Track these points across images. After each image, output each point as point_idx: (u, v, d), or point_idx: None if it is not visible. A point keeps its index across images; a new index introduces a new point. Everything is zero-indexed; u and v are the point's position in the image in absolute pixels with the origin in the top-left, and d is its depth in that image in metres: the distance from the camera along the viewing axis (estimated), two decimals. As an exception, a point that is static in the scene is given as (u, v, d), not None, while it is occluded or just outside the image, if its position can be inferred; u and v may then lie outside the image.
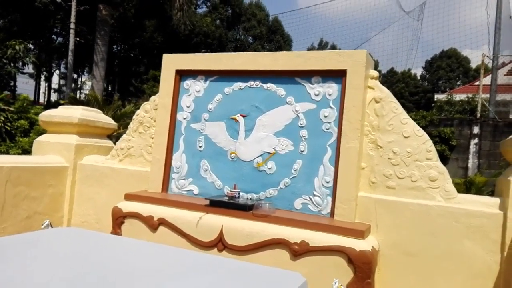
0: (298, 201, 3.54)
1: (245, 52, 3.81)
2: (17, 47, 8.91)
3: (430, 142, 3.34)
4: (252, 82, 3.79)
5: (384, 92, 3.46)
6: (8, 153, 7.07)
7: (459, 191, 3.29)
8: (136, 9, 25.47)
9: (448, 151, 12.51)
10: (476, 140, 12.28)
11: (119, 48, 32.32)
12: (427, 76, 52.89)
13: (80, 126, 4.57)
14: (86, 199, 4.50)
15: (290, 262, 3.14)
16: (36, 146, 4.66)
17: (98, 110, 5.02)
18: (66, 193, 4.47)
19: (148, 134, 4.29)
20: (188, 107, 4.05)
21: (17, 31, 26.69)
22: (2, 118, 7.45)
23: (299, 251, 3.13)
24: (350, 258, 2.98)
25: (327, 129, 3.47)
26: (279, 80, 3.69)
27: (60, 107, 4.87)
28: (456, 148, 12.57)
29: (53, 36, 30.32)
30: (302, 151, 3.55)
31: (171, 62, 4.10)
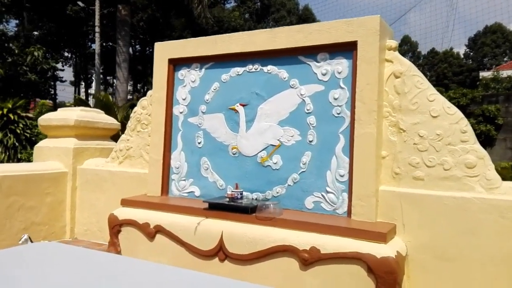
0: (309, 199, 3.04)
1: (240, 32, 3.34)
2: (35, 53, 8.93)
3: (465, 121, 2.74)
4: (250, 66, 3.32)
5: (405, 65, 2.88)
6: (29, 160, 7.00)
7: (507, 177, 2.66)
8: (163, 10, 25.53)
9: (494, 131, 11.32)
10: (526, 117, 11.07)
11: (151, 49, 32.69)
12: (471, 54, 49.94)
13: (78, 128, 4.28)
14: (88, 206, 4.21)
15: (299, 273, 2.66)
16: (36, 152, 4.43)
17: (99, 110, 4.73)
18: (67, 201, 4.21)
19: (147, 132, 3.93)
20: (184, 99, 3.63)
21: (53, 40, 27.60)
22: (21, 125, 7.42)
23: (309, 259, 2.63)
24: (370, 267, 2.45)
25: (339, 114, 2.94)
26: (280, 61, 3.19)
27: (59, 109, 4.62)
28: (503, 127, 11.34)
29: (88, 42, 31.13)
30: (310, 141, 3.04)
31: (163, 51, 3.70)
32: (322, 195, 2.99)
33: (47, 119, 4.38)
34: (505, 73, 22.68)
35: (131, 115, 4.10)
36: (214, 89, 3.48)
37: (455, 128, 2.72)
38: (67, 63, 34.88)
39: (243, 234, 2.88)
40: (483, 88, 18.79)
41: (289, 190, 3.11)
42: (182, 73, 3.65)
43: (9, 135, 7.43)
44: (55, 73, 33.29)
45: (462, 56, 49.30)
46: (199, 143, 3.54)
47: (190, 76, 3.61)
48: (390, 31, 3.06)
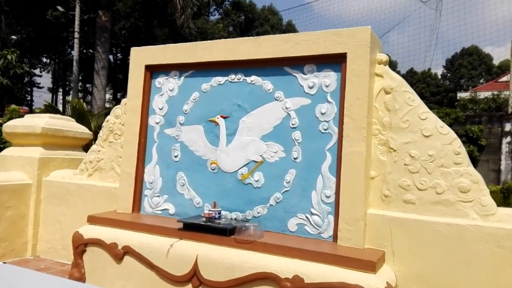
0: (292, 221, 2.82)
1: (223, 40, 3.14)
2: (9, 57, 8.53)
3: (459, 142, 2.58)
4: (233, 76, 3.11)
5: (396, 80, 2.72)
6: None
7: (495, 201, 2.51)
8: (146, 19, 25.26)
9: (477, 152, 11.38)
10: (508, 139, 11.11)
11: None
12: (448, 75, 51.23)
13: (46, 136, 3.97)
14: (53, 221, 3.88)
15: (280, 303, 2.42)
16: (-1, 161, 4.08)
17: (69, 118, 4.42)
18: (30, 215, 3.87)
19: (120, 143, 3.65)
20: (160, 109, 3.39)
21: (31, 45, 26.89)
22: (-10, 132, 6.98)
23: (291, 289, 2.40)
24: (358, 299, 2.24)
25: (325, 130, 2.75)
26: (265, 72, 2.99)
27: (26, 115, 4.29)
28: (486, 148, 11.41)
29: (67, 48, 30.44)
30: (295, 159, 2.84)
31: (139, 57, 3.46)
32: (307, 217, 2.77)
33: (12, 126, 4.06)
34: (482, 95, 23.23)
35: (103, 124, 3.82)
36: (194, 99, 3.25)
37: (448, 149, 2.56)
38: (46, 69, 34.06)
39: (220, 259, 2.63)
40: (461, 109, 19.11)
41: (271, 210, 2.89)
42: (159, 81, 3.41)
43: (-25, 141, 6.99)
44: (32, 78, 32.43)
45: (439, 77, 50.51)
46: (175, 156, 3.29)
47: (168, 85, 3.37)
48: (380, 44, 2.91)
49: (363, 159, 2.58)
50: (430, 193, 2.55)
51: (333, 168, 2.71)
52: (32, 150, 3.96)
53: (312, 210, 2.75)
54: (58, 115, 4.35)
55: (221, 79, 3.15)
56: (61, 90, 36.40)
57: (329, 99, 2.76)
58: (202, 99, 3.21)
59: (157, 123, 3.39)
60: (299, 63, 2.87)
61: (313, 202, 2.76)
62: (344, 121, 2.65)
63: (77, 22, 13.08)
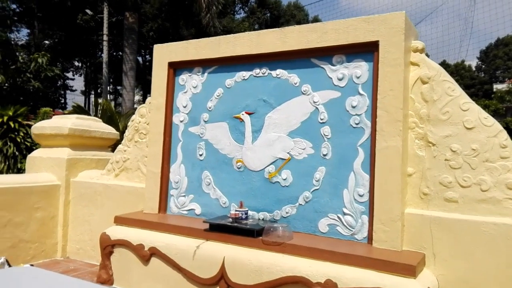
0: (323, 221, 2.67)
1: (247, 33, 3.01)
2: (40, 60, 8.74)
3: (505, 134, 2.36)
4: (257, 70, 2.98)
5: (434, 69, 2.51)
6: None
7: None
8: (173, 20, 25.51)
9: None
10: (552, 130, 10.54)
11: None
12: (483, 66, 49.28)
13: (73, 137, 3.97)
14: (81, 222, 3.88)
15: (312, 309, 2.28)
16: (29, 162, 4.13)
17: (96, 119, 4.42)
18: (59, 216, 3.88)
19: (145, 143, 3.60)
20: (184, 107, 3.30)
21: (63, 50, 27.73)
22: (22, 134, 7.15)
23: (323, 294, 2.25)
24: (397, 306, 2.07)
25: (357, 124, 2.58)
26: (291, 64, 2.85)
27: (54, 117, 4.32)
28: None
29: (98, 51, 31.22)
30: (325, 155, 2.68)
31: (162, 54, 3.38)
32: (338, 217, 2.61)
33: (40, 127, 4.09)
34: (520, 85, 22.17)
35: (129, 124, 3.78)
36: (218, 96, 3.14)
37: (494, 142, 2.34)
38: (78, 73, 35.09)
39: (248, 261, 2.52)
40: (499, 101, 18.26)
41: (300, 210, 2.75)
42: (183, 78, 3.33)
43: (9, 143, 7.17)
44: (65, 82, 33.44)
45: (473, 69, 48.66)
46: (200, 155, 3.20)
47: (191, 81, 3.28)
48: (415, 31, 2.71)
49: (399, 154, 2.39)
50: (474, 191, 2.34)
51: (366, 164, 2.54)
52: (60, 151, 3.97)
53: (344, 210, 2.59)
54: (85, 116, 4.35)
55: (245, 74, 3.03)
56: (93, 92, 37.41)
57: (361, 91, 2.59)
58: (226, 95, 3.11)
59: (181, 121, 3.31)
60: (327, 53, 2.71)
61: (345, 201, 2.60)
62: (377, 114, 2.47)
63: (105, 24, 13.29)
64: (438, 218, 2.38)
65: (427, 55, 2.58)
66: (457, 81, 2.48)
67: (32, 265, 2.95)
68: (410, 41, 2.55)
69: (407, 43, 2.48)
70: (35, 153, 4.15)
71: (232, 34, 3.08)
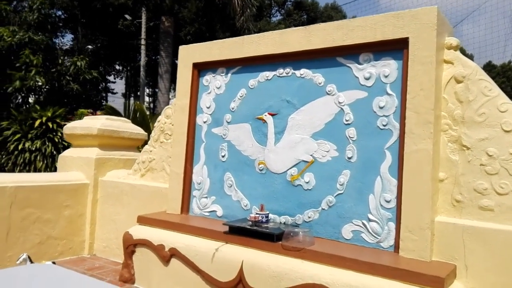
0: (347, 227, 2.54)
1: (270, 32, 2.94)
2: (78, 63, 9.09)
3: (550, 138, 2.15)
4: (281, 70, 2.90)
5: (470, 67, 2.34)
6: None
7: None
8: (209, 24, 25.87)
9: None
10: None
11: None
12: (532, 67, 46.61)
13: (102, 137, 4.04)
14: (108, 220, 3.93)
15: (332, 320, 2.16)
16: (60, 162, 4.24)
17: (126, 119, 4.49)
18: (87, 214, 3.95)
19: (170, 143, 3.60)
20: (208, 108, 3.27)
21: (105, 54, 28.77)
22: (60, 134, 7.41)
23: (344, 304, 2.13)
24: (423, 322, 1.92)
25: (385, 126, 2.45)
26: (316, 64, 2.75)
27: (85, 117, 4.42)
28: None
29: (138, 55, 32.15)
30: (349, 158, 2.56)
31: (187, 55, 3.37)
32: (363, 223, 2.48)
33: (71, 127, 4.19)
34: None
35: (155, 124, 3.80)
36: (241, 96, 3.08)
37: (536, 146, 2.14)
38: (119, 76, 36.27)
39: (267, 266, 2.43)
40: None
41: (323, 215, 2.63)
42: (207, 78, 3.30)
43: (47, 143, 7.47)
44: (107, 85, 34.67)
45: (522, 70, 46.13)
46: (223, 156, 3.15)
47: (215, 82, 3.24)
48: (449, 27, 2.54)
49: (429, 158, 2.24)
50: (512, 199, 2.15)
51: (394, 169, 2.39)
52: (90, 150, 4.05)
53: (370, 216, 2.46)
54: (114, 117, 4.43)
55: (268, 74, 2.96)
56: (132, 95, 38.53)
57: (389, 91, 2.45)
58: (249, 96, 3.04)
59: (204, 122, 3.28)
60: (353, 52, 2.59)
61: (370, 207, 2.46)
62: (407, 115, 2.33)
63: (143, 29, 13.64)
64: (471, 227, 2.20)
65: (471, 57, 2.42)
66: (503, 83, 2.31)
67: (54, 262, 2.99)
68: (443, 38, 2.39)
69: (439, 40, 2.32)
70: (66, 153, 4.26)
71: (256, 34, 3.02)
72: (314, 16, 37.37)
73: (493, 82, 2.29)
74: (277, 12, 36.87)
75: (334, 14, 39.35)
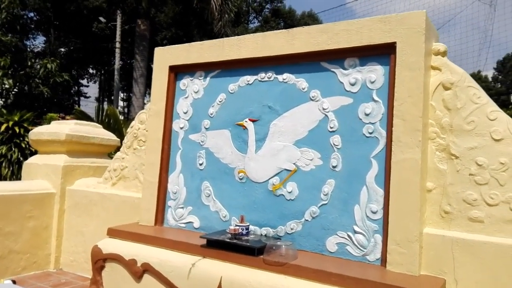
0: (331, 240, 2.42)
1: (252, 34, 2.81)
2: (49, 66, 8.70)
3: (538, 147, 2.09)
4: (263, 74, 2.77)
5: (458, 74, 2.27)
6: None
7: None
8: (186, 29, 25.62)
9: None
10: None
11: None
12: (500, 77, 48.48)
13: (70, 143, 3.81)
14: (75, 232, 3.69)
15: None
16: (25, 169, 3.97)
17: (96, 125, 4.26)
18: (53, 226, 3.70)
19: (144, 150, 3.40)
20: (185, 113, 3.10)
21: (78, 57, 28.04)
22: (27, 140, 7.03)
23: (330, 323, 2.00)
24: None
25: (371, 133, 2.34)
26: (299, 68, 2.63)
27: (53, 122, 4.17)
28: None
29: (112, 59, 31.51)
30: (334, 167, 2.44)
31: (163, 57, 3.20)
32: (348, 235, 2.36)
33: (37, 133, 3.93)
34: (539, 97, 21.65)
35: (128, 130, 3.60)
36: (220, 101, 2.93)
37: (526, 156, 2.07)
38: (92, 80, 35.42)
39: (247, 283, 2.28)
40: (517, 112, 17.77)
41: (307, 226, 2.50)
42: (184, 82, 3.13)
43: (13, 149, 7.07)
44: (80, 89, 33.77)
45: (490, 79, 47.90)
46: (200, 164, 2.98)
47: (193, 86, 3.08)
48: (436, 33, 2.47)
49: (417, 167, 2.14)
50: (502, 210, 2.08)
51: (380, 178, 2.29)
52: (57, 157, 3.81)
53: (355, 228, 2.34)
54: (84, 122, 4.19)
55: (249, 79, 2.82)
56: (106, 99, 37.67)
57: (375, 98, 2.35)
58: (229, 101, 2.90)
59: (181, 128, 3.11)
60: (338, 57, 2.48)
61: (356, 218, 2.35)
62: (394, 122, 2.23)
63: (118, 32, 13.30)
64: (461, 239, 2.11)
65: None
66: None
67: (13, 281, 2.75)
68: (431, 43, 2.32)
69: (427, 45, 2.24)
70: (31, 160, 4.00)
71: (237, 36, 2.88)
72: (291, 24, 37.68)
73: (481, 89, 2.23)
74: (255, 19, 37.10)
75: (310, 22, 39.79)
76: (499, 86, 46.12)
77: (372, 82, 2.37)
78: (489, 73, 47.97)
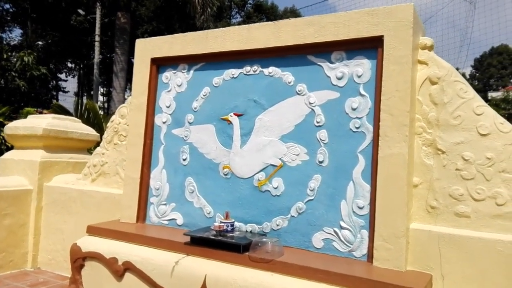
0: (317, 236, 2.39)
1: (237, 27, 2.75)
2: (25, 59, 8.41)
3: (523, 142, 2.10)
4: (248, 67, 2.71)
5: (444, 68, 2.26)
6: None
7: None
8: (168, 23, 25.27)
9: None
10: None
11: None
12: (477, 74, 49.64)
13: (48, 138, 3.67)
14: (54, 230, 3.56)
15: (304, 338, 1.99)
16: (0, 165, 3.81)
17: (75, 119, 4.12)
18: (30, 223, 3.57)
19: (125, 145, 3.31)
20: (168, 107, 3.02)
21: (56, 51, 27.33)
22: (2, 135, 6.80)
23: (317, 321, 1.97)
24: (402, 338, 1.79)
25: (357, 128, 2.32)
26: (285, 62, 2.58)
27: (29, 116, 4.02)
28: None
29: (91, 53, 30.83)
30: (320, 162, 2.41)
31: (145, 49, 3.10)
32: (335, 231, 2.33)
33: (13, 127, 3.78)
34: (514, 94, 22.26)
35: (108, 124, 3.49)
36: (204, 95, 2.86)
37: (511, 151, 2.08)
38: (71, 74, 34.61)
39: (232, 280, 2.23)
40: (493, 108, 18.21)
41: (293, 222, 2.47)
42: (166, 75, 3.05)
43: (-12, 144, 6.83)
44: (58, 83, 32.95)
45: (468, 77, 49.00)
46: (184, 159, 2.91)
47: (176, 80, 3.00)
48: (423, 27, 2.46)
49: (404, 162, 2.12)
50: (488, 204, 2.08)
51: (367, 173, 2.27)
52: (34, 153, 3.67)
53: (342, 224, 2.32)
54: (62, 116, 4.05)
55: (234, 72, 2.75)
56: (86, 94, 36.88)
57: (362, 92, 2.32)
58: (214, 95, 2.83)
59: (164, 122, 3.02)
60: (325, 50, 2.45)
61: (342, 214, 2.32)
62: (381, 117, 2.21)
63: (97, 24, 12.99)
64: (447, 234, 2.11)
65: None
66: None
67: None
68: (418, 37, 2.30)
69: (415, 39, 2.22)
70: (7, 155, 3.84)
71: (221, 28, 2.81)
72: (273, 19, 37.56)
73: (468, 83, 2.23)
74: (237, 14, 36.94)
75: (293, 17, 39.77)
76: (476, 83, 47.24)
77: (359, 76, 2.34)
78: (467, 70, 49.04)
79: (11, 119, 7.26)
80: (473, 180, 2.11)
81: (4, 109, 7.04)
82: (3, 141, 6.83)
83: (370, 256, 2.22)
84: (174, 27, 26.65)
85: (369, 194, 2.25)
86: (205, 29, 12.58)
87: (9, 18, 26.35)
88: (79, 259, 2.83)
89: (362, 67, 2.34)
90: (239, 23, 33.73)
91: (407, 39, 2.17)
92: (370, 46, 2.31)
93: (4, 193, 3.39)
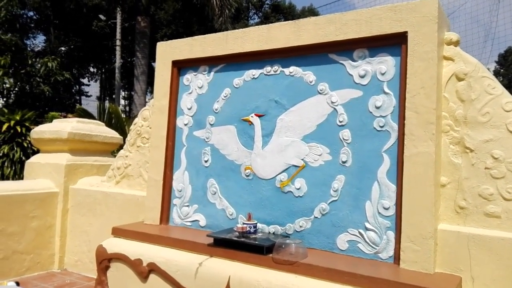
0: (342, 237, 2.35)
1: (257, 27, 2.74)
2: (49, 64, 8.63)
3: (556, 139, 2.01)
4: (269, 68, 2.69)
5: (471, 64, 2.19)
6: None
7: None
8: (187, 26, 25.51)
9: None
10: None
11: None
12: (502, 70, 48.23)
13: (73, 142, 3.74)
14: (80, 232, 3.63)
15: None
16: (27, 168, 3.91)
17: (99, 122, 4.19)
18: (57, 225, 3.65)
19: (148, 147, 3.34)
20: (189, 109, 3.03)
21: (78, 56, 27.95)
22: (29, 139, 6.98)
23: (343, 323, 1.94)
24: None
25: (382, 127, 2.27)
26: (306, 61, 2.56)
27: (54, 120, 4.11)
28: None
29: (113, 57, 31.38)
30: (344, 162, 2.37)
31: (166, 52, 3.13)
32: (360, 232, 2.29)
33: (39, 131, 3.87)
34: (543, 90, 21.55)
35: (131, 127, 3.53)
36: (225, 96, 2.86)
37: (544, 148, 2.00)
38: (93, 79, 35.33)
39: (256, 282, 2.21)
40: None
41: (316, 224, 2.44)
42: (188, 77, 3.06)
43: (15, 148, 7.03)
44: (81, 87, 33.71)
45: (492, 73, 47.66)
46: (206, 161, 2.92)
47: (196, 81, 3.01)
48: (448, 21, 2.39)
49: (431, 162, 2.07)
50: (520, 205, 2.01)
51: (392, 173, 2.22)
52: (59, 156, 3.75)
53: (367, 225, 2.27)
54: (86, 120, 4.13)
55: (255, 72, 2.75)
56: (108, 98, 37.54)
57: (386, 90, 2.27)
58: (234, 96, 2.82)
59: (185, 124, 3.04)
60: (347, 48, 2.41)
61: (367, 215, 2.28)
62: (406, 115, 2.16)
63: (118, 29, 13.22)
64: (477, 235, 2.04)
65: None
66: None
67: (17, 282, 2.70)
68: (443, 32, 2.24)
69: (440, 34, 2.16)
70: (33, 159, 3.94)
71: (241, 29, 2.81)
72: (291, 19, 37.47)
73: (495, 79, 2.16)
74: (255, 15, 36.99)
75: (311, 17, 39.63)
76: (501, 79, 45.90)
77: (383, 74, 2.29)
78: (491, 66, 47.70)
79: (37, 123, 7.44)
80: (503, 179, 2.04)
81: (29, 114, 7.22)
82: (29, 145, 7.01)
83: (396, 258, 2.17)
84: (192, 29, 26.88)
85: (395, 195, 2.20)
86: (223, 31, 12.65)
87: (32, 25, 27.08)
88: (104, 260, 2.87)
89: (385, 64, 2.29)
90: (257, 24, 33.77)
91: (432, 34, 2.12)
92: (394, 43, 2.26)
93: (31, 196, 3.47)
